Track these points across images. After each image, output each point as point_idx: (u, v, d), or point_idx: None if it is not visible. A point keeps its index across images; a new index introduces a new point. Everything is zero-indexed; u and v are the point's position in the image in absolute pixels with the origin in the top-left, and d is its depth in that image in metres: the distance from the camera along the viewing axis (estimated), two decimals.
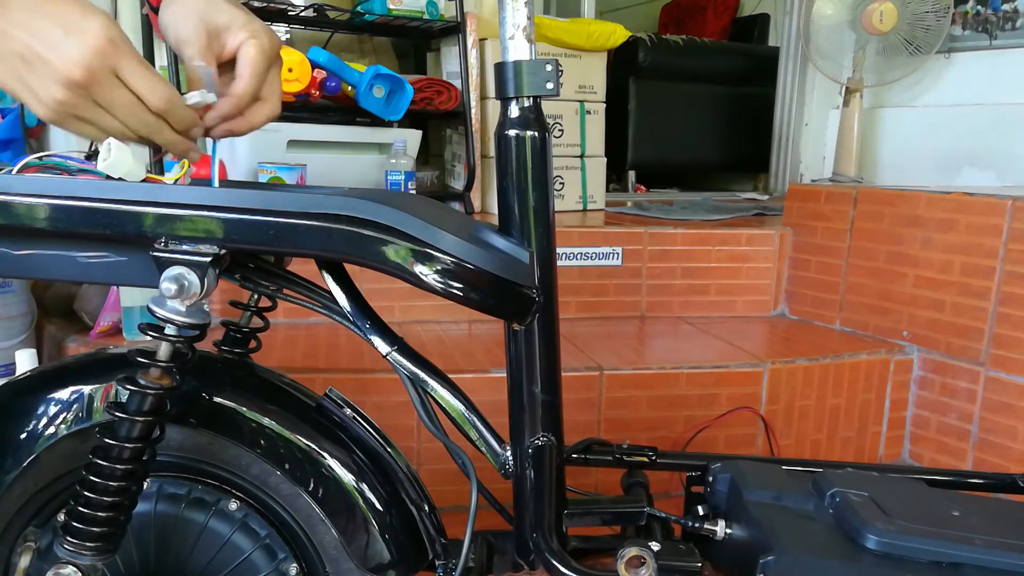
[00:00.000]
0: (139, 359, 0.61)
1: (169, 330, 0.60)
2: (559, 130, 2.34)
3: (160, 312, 0.59)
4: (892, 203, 1.74)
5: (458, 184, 2.33)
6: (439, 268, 0.59)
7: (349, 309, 0.67)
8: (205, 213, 0.58)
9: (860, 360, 1.65)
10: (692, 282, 1.96)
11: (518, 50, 0.63)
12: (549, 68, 0.64)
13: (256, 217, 0.58)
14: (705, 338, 1.77)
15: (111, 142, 0.67)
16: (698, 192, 3.28)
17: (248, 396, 0.69)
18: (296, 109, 1.98)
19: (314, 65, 1.89)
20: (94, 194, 0.59)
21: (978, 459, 1.56)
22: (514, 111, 0.64)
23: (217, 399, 0.68)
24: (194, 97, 0.64)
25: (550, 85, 0.64)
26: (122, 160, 0.67)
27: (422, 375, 0.68)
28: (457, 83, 2.18)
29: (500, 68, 0.64)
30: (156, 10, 0.68)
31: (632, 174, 3.32)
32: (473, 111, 2.20)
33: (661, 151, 3.32)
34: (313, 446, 0.68)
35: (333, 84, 1.91)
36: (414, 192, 2.08)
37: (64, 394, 0.68)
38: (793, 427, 1.61)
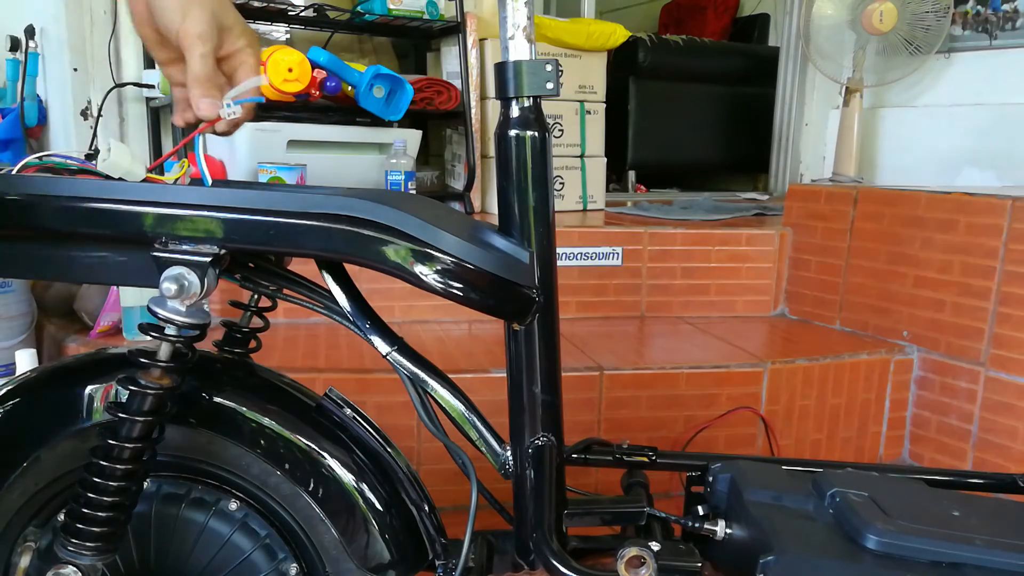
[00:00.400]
0: (139, 359, 0.61)
1: (169, 330, 0.60)
2: (559, 130, 2.34)
3: (160, 312, 0.59)
4: (892, 203, 1.74)
5: (458, 184, 2.33)
6: (439, 268, 0.59)
7: (349, 309, 0.67)
8: (205, 213, 0.58)
9: (860, 360, 1.65)
10: (692, 282, 1.96)
11: (518, 50, 0.63)
12: (549, 68, 0.64)
13: (256, 217, 0.58)
14: (705, 338, 1.77)
15: (111, 142, 0.68)
16: (698, 192, 3.27)
17: (248, 396, 0.69)
18: (296, 109, 1.98)
19: (314, 65, 1.89)
20: (94, 194, 0.59)
21: (978, 459, 1.56)
22: (514, 111, 0.64)
23: (217, 399, 0.68)
24: (230, 110, 0.64)
25: (550, 85, 0.64)
26: (121, 160, 0.67)
27: (422, 375, 0.68)
28: (457, 83, 2.18)
29: (500, 68, 0.64)
30: None
31: (632, 174, 3.32)
32: (473, 111, 2.20)
33: (661, 151, 3.32)
34: (313, 446, 0.68)
35: (333, 84, 1.91)
36: (414, 192, 2.08)
37: (64, 394, 0.68)
38: (793, 427, 1.61)
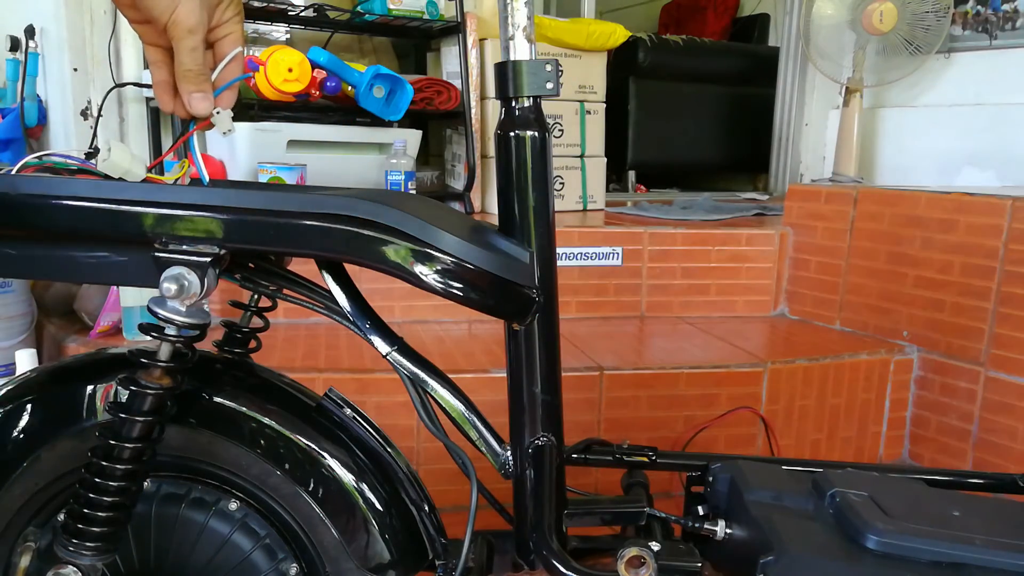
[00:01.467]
0: (139, 359, 0.61)
1: (169, 330, 0.60)
2: (559, 130, 2.33)
3: (160, 312, 0.59)
4: (892, 203, 1.74)
5: (458, 184, 2.33)
6: (439, 268, 0.59)
7: (349, 309, 0.66)
8: (205, 213, 0.58)
9: (860, 360, 1.65)
10: (692, 282, 1.96)
11: (518, 50, 0.63)
12: (549, 68, 0.64)
13: (256, 217, 0.58)
14: (705, 338, 1.77)
15: (111, 142, 0.68)
16: (698, 192, 3.27)
17: (248, 396, 0.69)
18: (296, 109, 1.98)
19: (314, 65, 1.89)
20: (94, 194, 0.59)
21: (978, 459, 1.56)
22: (514, 111, 0.64)
23: (217, 399, 0.68)
24: (220, 116, 0.64)
25: (550, 85, 0.64)
26: (121, 160, 0.67)
27: (422, 375, 0.68)
28: (457, 83, 2.18)
29: (500, 68, 0.64)
30: None
31: (632, 174, 3.32)
32: (473, 111, 2.20)
33: (661, 151, 3.32)
34: (313, 446, 0.68)
35: (333, 84, 1.91)
36: (414, 192, 2.08)
37: (64, 394, 0.68)
38: (793, 427, 1.61)
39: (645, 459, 0.80)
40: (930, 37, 2.38)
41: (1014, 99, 2.38)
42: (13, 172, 0.65)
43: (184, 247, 0.59)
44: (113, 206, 0.59)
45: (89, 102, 2.12)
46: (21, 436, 0.67)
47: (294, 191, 0.64)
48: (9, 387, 0.69)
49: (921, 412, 1.68)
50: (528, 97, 0.64)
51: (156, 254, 0.59)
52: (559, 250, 1.84)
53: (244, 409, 0.68)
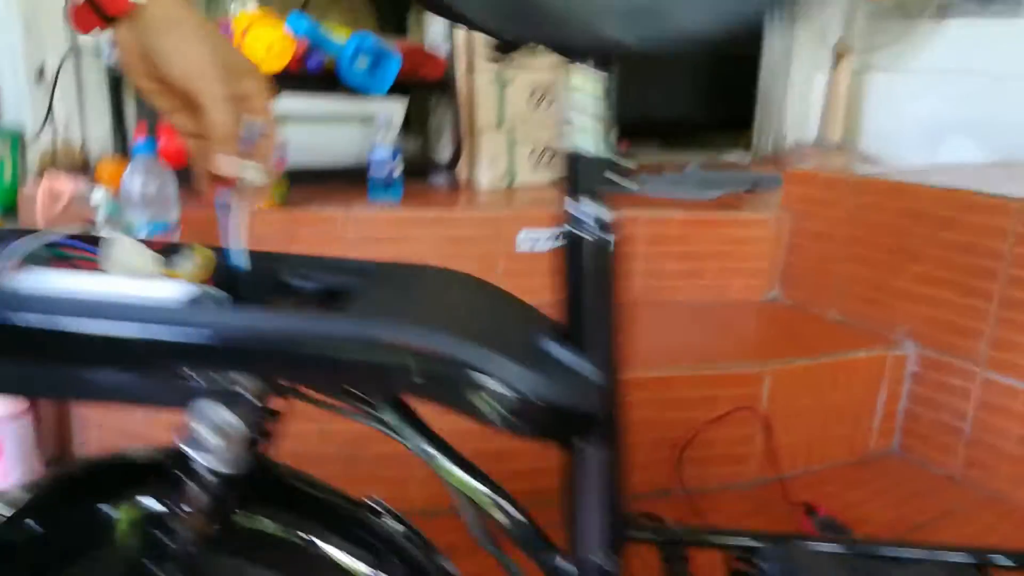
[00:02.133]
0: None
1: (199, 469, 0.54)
2: (549, 100, 2.23)
3: (192, 454, 0.53)
4: (896, 196, 1.72)
5: (443, 155, 2.23)
6: (501, 404, 0.53)
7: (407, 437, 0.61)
8: (235, 346, 0.51)
9: (859, 358, 1.65)
10: (686, 266, 1.93)
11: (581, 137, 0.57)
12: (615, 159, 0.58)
13: (296, 350, 0.52)
14: (702, 328, 1.75)
15: (115, 236, 0.60)
16: (681, 150, 3.21)
17: (280, 512, 0.63)
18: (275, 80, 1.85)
19: (294, 35, 1.75)
20: (107, 315, 0.51)
21: (969, 456, 1.59)
22: (577, 208, 0.58)
23: (246, 522, 0.63)
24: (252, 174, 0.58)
25: (616, 178, 0.58)
26: (127, 257, 0.59)
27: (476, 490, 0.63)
28: (442, 49, 2.05)
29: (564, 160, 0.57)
30: (109, 19, 0.52)
31: (614, 131, 3.23)
32: (459, 81, 2.08)
33: (644, 107, 3.23)
34: (349, 563, 0.64)
35: (315, 62, 1.78)
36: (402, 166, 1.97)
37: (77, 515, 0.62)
38: (791, 425, 1.60)
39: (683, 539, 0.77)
40: (922, 2, 2.31)
41: (1004, 67, 2.34)
42: (10, 268, 0.57)
43: (214, 381, 0.52)
44: (127, 335, 0.51)
45: (43, 65, 1.95)
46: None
47: (342, 317, 0.56)
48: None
49: (914, 407, 1.70)
50: (592, 192, 0.58)
51: (183, 383, 0.53)
52: (543, 231, 1.78)
53: (275, 529, 0.63)
